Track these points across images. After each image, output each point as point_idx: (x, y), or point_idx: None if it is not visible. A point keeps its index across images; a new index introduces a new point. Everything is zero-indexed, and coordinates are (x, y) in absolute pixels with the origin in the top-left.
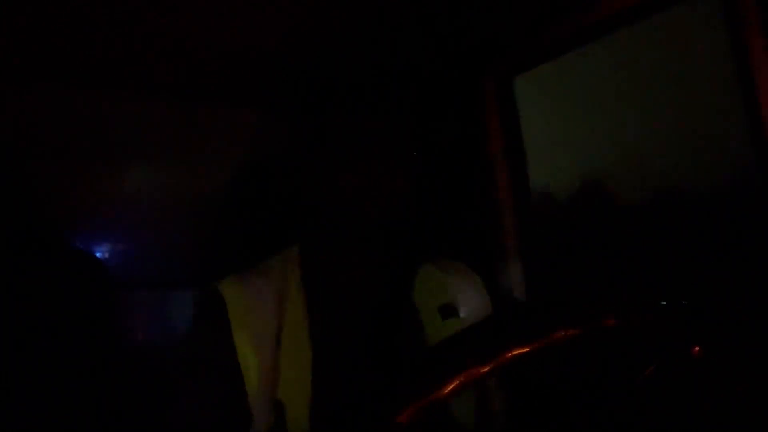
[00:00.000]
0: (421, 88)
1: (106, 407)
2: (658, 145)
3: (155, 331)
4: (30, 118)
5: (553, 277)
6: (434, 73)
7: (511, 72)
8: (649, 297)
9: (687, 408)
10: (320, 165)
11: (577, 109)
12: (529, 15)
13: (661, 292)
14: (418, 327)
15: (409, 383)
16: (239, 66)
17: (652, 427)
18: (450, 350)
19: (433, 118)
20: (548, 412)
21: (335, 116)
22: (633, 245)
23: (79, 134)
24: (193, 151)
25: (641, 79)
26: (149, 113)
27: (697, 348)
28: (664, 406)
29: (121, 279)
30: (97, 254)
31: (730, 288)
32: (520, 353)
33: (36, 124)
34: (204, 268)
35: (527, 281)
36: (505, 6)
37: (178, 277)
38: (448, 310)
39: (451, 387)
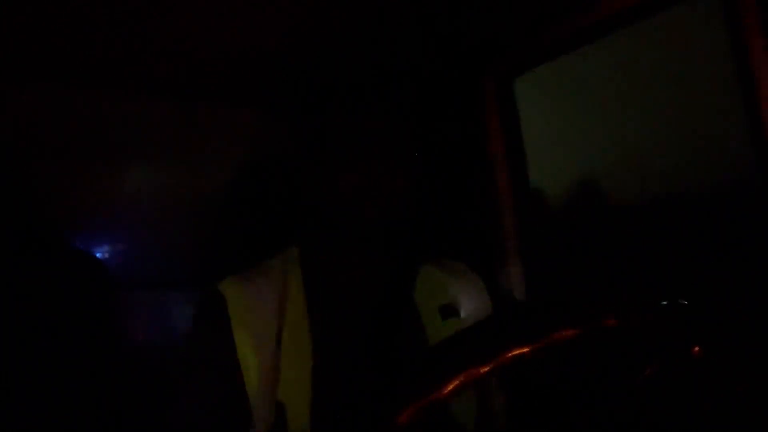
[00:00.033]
0: (422, 89)
1: (106, 407)
2: (658, 145)
3: (155, 331)
4: (30, 118)
5: (553, 277)
6: (434, 73)
7: (511, 72)
8: (649, 297)
9: (687, 408)
10: (320, 165)
11: (577, 109)
12: (529, 15)
13: (661, 292)
14: (419, 327)
15: (409, 383)
16: (239, 66)
17: (652, 427)
18: (450, 350)
19: (433, 118)
20: (548, 412)
21: (335, 116)
22: (633, 245)
23: (79, 134)
24: (193, 151)
25: (641, 79)
26: (149, 113)
27: (697, 348)
28: (664, 406)
29: (121, 279)
30: (97, 254)
31: (730, 288)
32: (520, 353)
33: (36, 124)
34: (204, 268)
35: (527, 281)
36: (505, 6)
37: (178, 277)
38: (449, 310)
39: (451, 387)
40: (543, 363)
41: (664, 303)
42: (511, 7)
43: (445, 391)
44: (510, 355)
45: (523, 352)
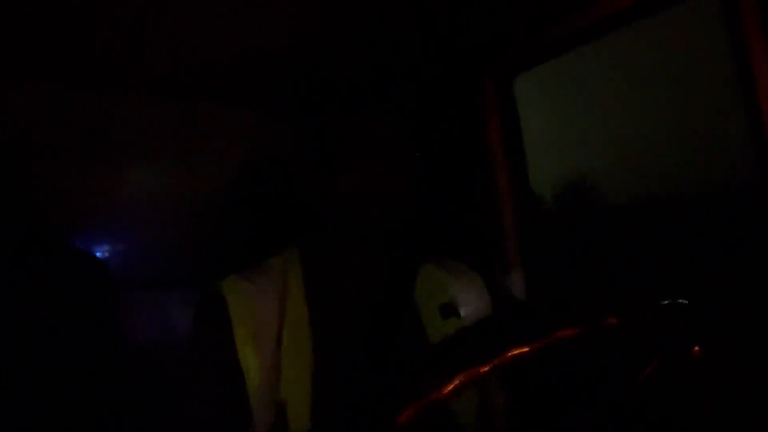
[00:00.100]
0: (422, 88)
1: (107, 407)
2: (658, 145)
3: (155, 331)
4: (30, 118)
5: (553, 277)
6: (435, 73)
7: (511, 72)
8: (649, 297)
9: (687, 408)
10: (320, 165)
11: (577, 109)
12: (529, 15)
13: (661, 292)
14: (419, 327)
15: (409, 383)
16: (239, 66)
17: (652, 427)
18: (450, 350)
19: (433, 118)
20: (548, 412)
21: (336, 116)
22: (633, 245)
23: (79, 134)
24: (194, 151)
25: (641, 79)
26: (149, 113)
27: (697, 348)
28: (664, 406)
29: (121, 279)
30: (97, 254)
31: (730, 288)
32: (520, 353)
33: (36, 124)
34: (204, 268)
35: (527, 281)
36: (505, 6)
37: (178, 277)
38: (449, 310)
39: (451, 387)
40: (543, 363)
41: (664, 303)
42: (511, 7)
43: (445, 391)
44: (510, 355)
45: (523, 352)
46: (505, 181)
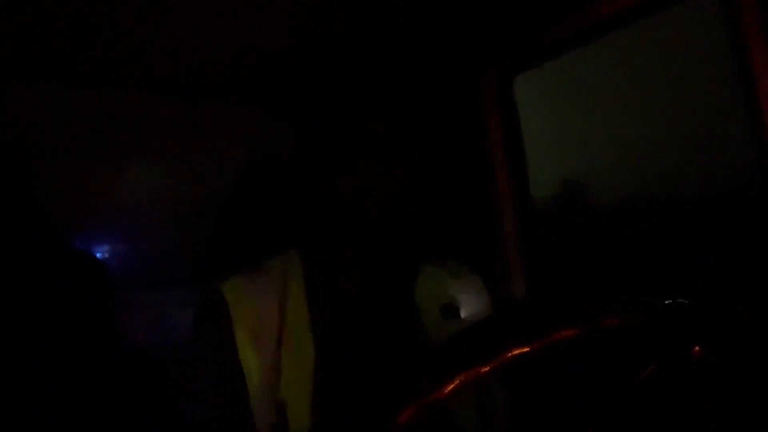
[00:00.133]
0: (422, 89)
1: (107, 408)
2: (658, 145)
3: (156, 332)
4: (30, 118)
5: (553, 277)
6: (435, 73)
7: (511, 72)
8: (649, 297)
9: (687, 408)
10: (321, 165)
11: (577, 109)
12: (529, 15)
13: (662, 291)
14: (419, 327)
15: (409, 383)
16: (239, 66)
17: (652, 427)
18: (450, 350)
19: (433, 118)
20: (548, 412)
21: (336, 116)
22: (633, 245)
23: (79, 134)
24: (194, 151)
25: (641, 79)
26: (150, 113)
27: (697, 348)
28: (664, 406)
29: (121, 279)
30: (97, 254)
31: (730, 288)
32: (520, 353)
33: (36, 124)
34: (204, 268)
35: (527, 281)
36: (505, 6)
37: (179, 277)
38: (449, 310)
39: (451, 387)
40: (543, 363)
41: (665, 303)
42: (511, 7)
43: (446, 391)
44: (510, 354)
45: (524, 352)
46: (505, 181)
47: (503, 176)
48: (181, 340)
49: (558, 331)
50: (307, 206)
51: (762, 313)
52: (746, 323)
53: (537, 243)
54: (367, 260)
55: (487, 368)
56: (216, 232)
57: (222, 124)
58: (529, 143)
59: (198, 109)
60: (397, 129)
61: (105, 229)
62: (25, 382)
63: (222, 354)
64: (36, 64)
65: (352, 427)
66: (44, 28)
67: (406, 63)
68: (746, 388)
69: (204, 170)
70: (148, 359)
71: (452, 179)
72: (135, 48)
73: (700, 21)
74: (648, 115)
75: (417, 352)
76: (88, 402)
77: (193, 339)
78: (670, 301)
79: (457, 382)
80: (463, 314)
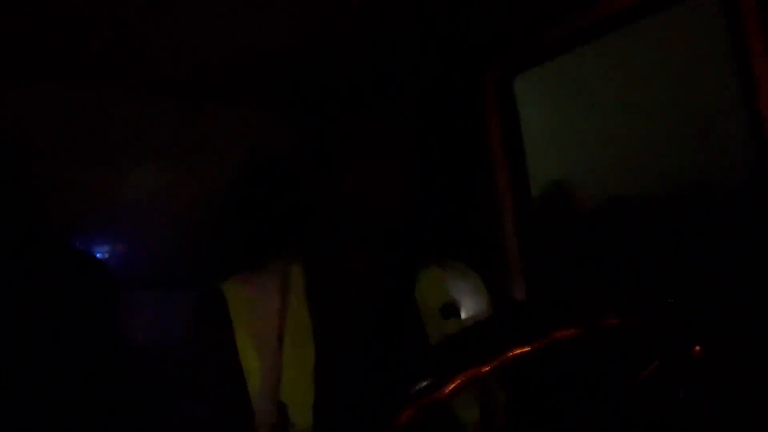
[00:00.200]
0: (422, 89)
1: (107, 408)
2: (658, 144)
3: (156, 332)
4: (30, 118)
5: (553, 277)
6: (435, 73)
7: (511, 72)
8: (649, 297)
9: (687, 408)
10: (321, 165)
11: (577, 109)
12: (529, 15)
13: (662, 291)
14: (420, 327)
15: (409, 383)
16: (240, 66)
17: (652, 427)
18: (451, 350)
19: (433, 118)
20: (548, 412)
21: (336, 116)
22: (633, 245)
23: (79, 134)
24: (194, 151)
25: (641, 79)
26: (150, 113)
27: (697, 348)
28: (664, 406)
29: (121, 279)
30: (98, 255)
31: (730, 288)
32: (520, 353)
33: (36, 124)
34: (205, 269)
35: (527, 281)
36: (505, 6)
37: (179, 277)
38: (450, 310)
39: (451, 387)
40: (543, 363)
41: (665, 303)
42: (511, 7)
43: (446, 391)
44: (511, 354)
45: (524, 352)
46: (505, 181)
47: (503, 176)
48: (181, 341)
49: (558, 331)
50: (308, 206)
51: (762, 313)
52: (746, 323)
53: (537, 243)
54: (367, 260)
55: (487, 368)
56: (216, 232)
57: (222, 124)
58: (529, 143)
59: (198, 109)
60: (398, 129)
61: (105, 229)
62: (25, 382)
63: (222, 354)
64: (36, 64)
65: (352, 427)
66: (44, 28)
67: (406, 63)
68: (746, 388)
69: (204, 170)
70: (148, 359)
71: (452, 179)
72: (135, 48)
73: (700, 21)
74: (648, 115)
75: (417, 352)
76: (89, 402)
77: (193, 339)
78: (670, 301)
79: (457, 382)
80: (463, 314)
